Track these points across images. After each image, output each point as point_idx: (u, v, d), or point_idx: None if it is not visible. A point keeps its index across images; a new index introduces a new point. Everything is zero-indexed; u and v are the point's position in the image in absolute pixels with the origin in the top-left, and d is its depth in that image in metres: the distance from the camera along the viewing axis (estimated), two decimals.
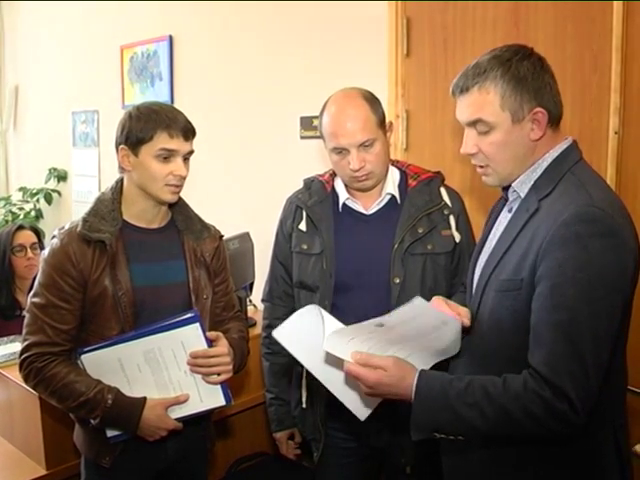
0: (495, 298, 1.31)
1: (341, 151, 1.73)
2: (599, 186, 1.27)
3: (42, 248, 2.87)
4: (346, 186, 1.84)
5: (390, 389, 1.27)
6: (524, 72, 1.27)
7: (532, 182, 1.32)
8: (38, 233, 3.00)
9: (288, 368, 1.94)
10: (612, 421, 1.28)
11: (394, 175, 1.84)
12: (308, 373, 1.85)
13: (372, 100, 1.77)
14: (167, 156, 1.62)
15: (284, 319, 1.90)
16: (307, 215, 1.84)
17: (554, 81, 1.31)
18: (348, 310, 1.75)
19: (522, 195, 1.34)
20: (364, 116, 1.72)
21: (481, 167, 1.37)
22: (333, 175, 1.89)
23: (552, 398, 1.14)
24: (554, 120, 1.30)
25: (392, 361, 1.27)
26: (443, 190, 1.83)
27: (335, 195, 1.86)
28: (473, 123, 1.32)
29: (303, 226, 1.84)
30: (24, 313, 1.70)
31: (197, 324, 1.62)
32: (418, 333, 1.30)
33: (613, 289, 1.17)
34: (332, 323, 1.35)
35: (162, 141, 1.61)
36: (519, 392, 1.17)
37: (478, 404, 1.19)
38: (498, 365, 1.26)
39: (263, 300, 2.01)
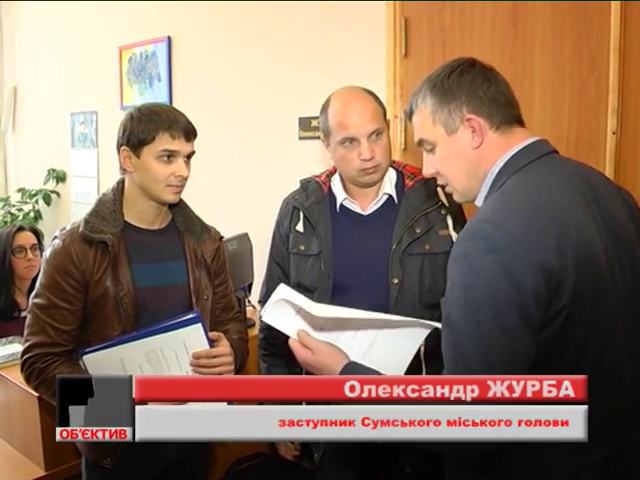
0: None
1: (351, 141, 1.72)
2: (516, 195, 1.19)
3: (42, 249, 2.88)
4: (344, 187, 1.84)
5: (315, 371, 1.35)
6: (449, 84, 1.25)
7: (483, 199, 1.28)
8: (38, 234, 3.00)
9: (286, 369, 1.94)
10: (569, 457, 1.15)
11: (391, 175, 1.84)
12: (307, 373, 1.85)
13: (374, 95, 1.79)
14: (169, 157, 1.63)
15: None
16: (304, 216, 1.84)
17: (494, 84, 1.26)
18: None
19: None
20: (372, 107, 1.74)
21: (445, 186, 1.35)
22: (329, 176, 1.89)
23: None
24: (499, 124, 1.24)
25: (322, 347, 1.34)
26: (440, 190, 1.83)
27: (332, 196, 1.86)
28: (420, 144, 1.32)
29: (300, 227, 1.84)
30: (25, 314, 1.70)
31: (199, 324, 1.63)
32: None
33: (505, 309, 1.09)
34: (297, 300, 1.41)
35: (164, 142, 1.62)
36: None
37: None
38: None
39: (260, 302, 2.01)
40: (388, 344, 1.35)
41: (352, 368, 1.29)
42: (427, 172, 1.34)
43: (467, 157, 1.26)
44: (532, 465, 1.18)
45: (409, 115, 1.34)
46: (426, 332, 1.35)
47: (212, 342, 1.65)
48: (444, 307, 1.20)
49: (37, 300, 1.63)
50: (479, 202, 1.29)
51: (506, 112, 1.25)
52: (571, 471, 1.17)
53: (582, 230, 1.15)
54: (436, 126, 1.26)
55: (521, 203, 1.16)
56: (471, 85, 1.25)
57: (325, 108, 1.79)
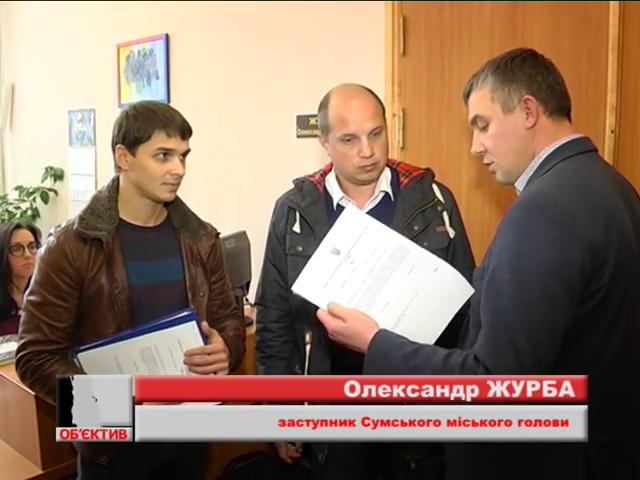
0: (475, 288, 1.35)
1: (350, 139, 1.72)
2: (569, 176, 1.25)
3: (39, 247, 2.87)
4: (340, 185, 1.83)
5: (346, 340, 1.36)
6: (512, 66, 1.32)
7: (526, 182, 1.34)
8: (35, 232, 3.00)
9: (285, 371, 1.92)
10: None
11: (386, 173, 1.84)
12: (309, 374, 1.83)
13: (373, 93, 1.79)
14: (165, 155, 1.62)
15: (278, 322, 1.91)
16: (301, 216, 1.83)
17: (552, 74, 1.33)
18: None
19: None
20: (373, 104, 1.74)
21: (489, 164, 1.40)
22: (323, 175, 1.89)
23: None
24: (552, 110, 1.31)
25: (353, 314, 1.35)
26: (435, 187, 1.83)
27: (327, 195, 1.85)
28: (474, 122, 1.38)
29: (297, 228, 1.83)
30: (20, 312, 1.69)
31: (193, 322, 1.62)
32: (409, 288, 1.37)
33: (552, 278, 1.14)
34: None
35: (160, 140, 1.61)
36: (455, 366, 1.17)
37: (418, 368, 1.20)
38: None
39: (256, 303, 1.99)
40: (419, 315, 1.37)
41: (383, 335, 1.31)
42: (475, 149, 1.41)
43: (519, 136, 1.32)
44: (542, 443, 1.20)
45: (466, 95, 1.40)
46: (467, 295, 1.36)
47: (207, 339, 1.65)
48: (481, 274, 1.26)
49: (31, 297, 1.63)
50: (519, 185, 1.36)
51: (560, 102, 1.33)
52: (580, 450, 1.20)
53: (623, 220, 1.21)
54: (494, 104, 1.33)
55: (574, 184, 1.22)
56: (532, 70, 1.32)
57: (325, 104, 1.78)
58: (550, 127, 1.32)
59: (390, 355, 1.26)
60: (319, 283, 1.38)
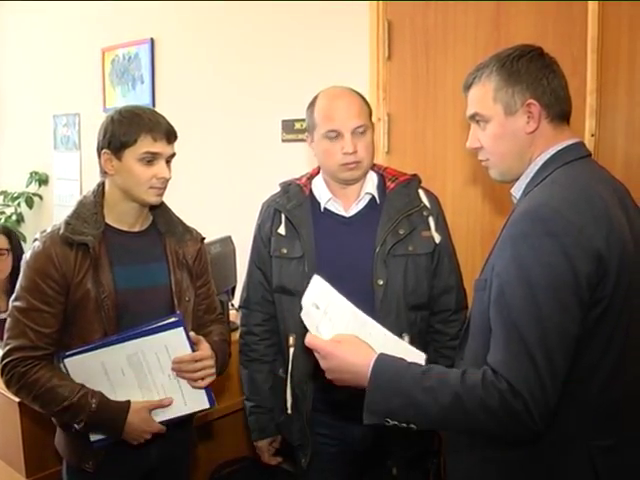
0: (473, 300, 1.34)
1: (335, 135, 1.73)
2: (571, 185, 1.24)
3: (21, 251, 2.84)
4: (327, 187, 1.84)
5: (340, 371, 1.25)
6: (518, 67, 1.29)
7: (523, 188, 1.33)
8: (10, 236, 2.95)
9: (269, 375, 1.93)
10: (585, 440, 1.21)
11: (372, 178, 1.85)
12: (292, 378, 1.83)
13: (361, 95, 1.82)
14: (151, 159, 1.63)
15: (262, 326, 1.91)
16: (287, 219, 1.83)
17: (557, 77, 1.31)
18: None
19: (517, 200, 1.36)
20: (359, 103, 1.77)
21: (484, 161, 1.39)
22: (310, 179, 1.89)
23: (508, 393, 1.11)
24: (554, 116, 1.30)
25: (338, 346, 1.24)
26: (421, 192, 1.84)
27: (313, 198, 1.86)
28: (472, 117, 1.36)
29: (282, 230, 1.83)
30: (4, 316, 1.68)
31: (181, 328, 1.62)
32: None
33: (561, 290, 1.14)
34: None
35: (146, 145, 1.61)
36: (476, 383, 1.14)
37: (433, 389, 1.16)
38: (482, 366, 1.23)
39: (240, 307, 1.99)
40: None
41: (384, 357, 1.23)
42: (471, 145, 1.39)
43: (519, 140, 1.31)
44: (549, 448, 1.21)
45: (467, 86, 1.37)
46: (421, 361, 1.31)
47: (194, 345, 1.65)
48: (482, 285, 1.26)
49: (17, 303, 1.62)
50: (516, 192, 1.35)
51: (562, 107, 1.32)
52: (585, 455, 1.21)
53: (622, 229, 1.21)
54: (496, 104, 1.30)
55: (576, 192, 1.21)
56: (538, 73, 1.29)
57: (312, 103, 1.81)
58: (550, 132, 1.30)
59: (398, 378, 1.20)
60: (320, 311, 1.32)
